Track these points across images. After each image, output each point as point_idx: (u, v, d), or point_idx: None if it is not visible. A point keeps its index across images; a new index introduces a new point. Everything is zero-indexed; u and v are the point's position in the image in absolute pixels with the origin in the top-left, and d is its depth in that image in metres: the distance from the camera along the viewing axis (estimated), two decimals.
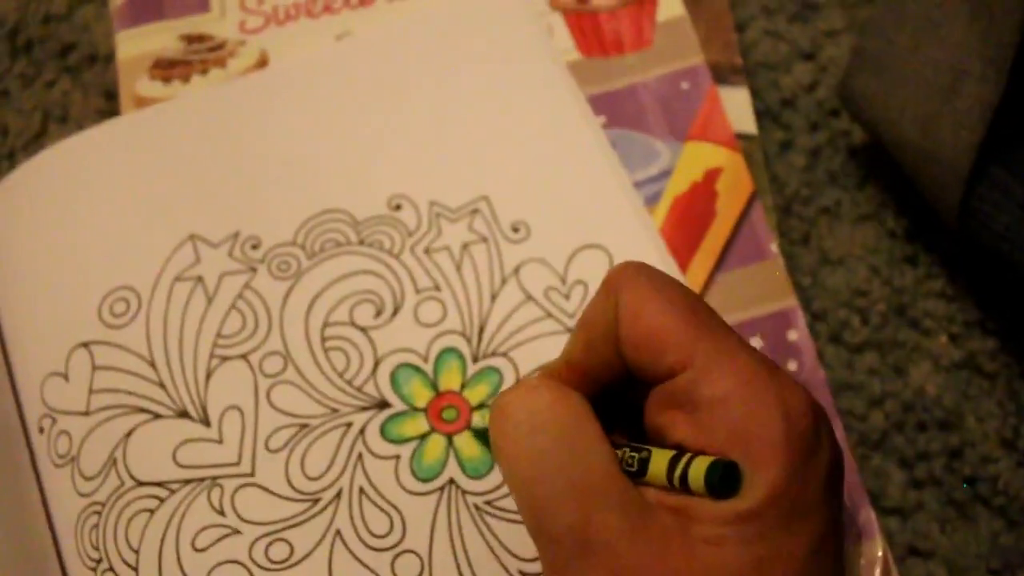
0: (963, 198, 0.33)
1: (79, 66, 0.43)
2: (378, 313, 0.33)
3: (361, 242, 0.34)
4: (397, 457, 0.31)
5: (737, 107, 0.38)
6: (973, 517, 0.34)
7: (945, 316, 0.36)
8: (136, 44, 0.40)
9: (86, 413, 0.33)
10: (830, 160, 0.39)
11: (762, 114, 0.39)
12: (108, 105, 0.42)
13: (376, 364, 0.33)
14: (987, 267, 0.36)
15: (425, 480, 0.31)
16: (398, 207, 0.35)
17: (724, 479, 0.22)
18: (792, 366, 0.33)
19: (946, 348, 0.36)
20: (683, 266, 0.34)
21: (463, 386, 0.32)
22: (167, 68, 0.39)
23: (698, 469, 0.22)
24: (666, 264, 0.34)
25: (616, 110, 0.37)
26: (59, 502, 0.33)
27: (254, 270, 0.34)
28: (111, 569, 0.31)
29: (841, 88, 0.37)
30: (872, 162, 0.38)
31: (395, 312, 0.33)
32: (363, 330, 0.33)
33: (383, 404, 0.32)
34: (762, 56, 0.41)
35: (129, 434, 0.33)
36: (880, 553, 0.31)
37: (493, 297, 0.33)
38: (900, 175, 0.37)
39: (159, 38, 0.40)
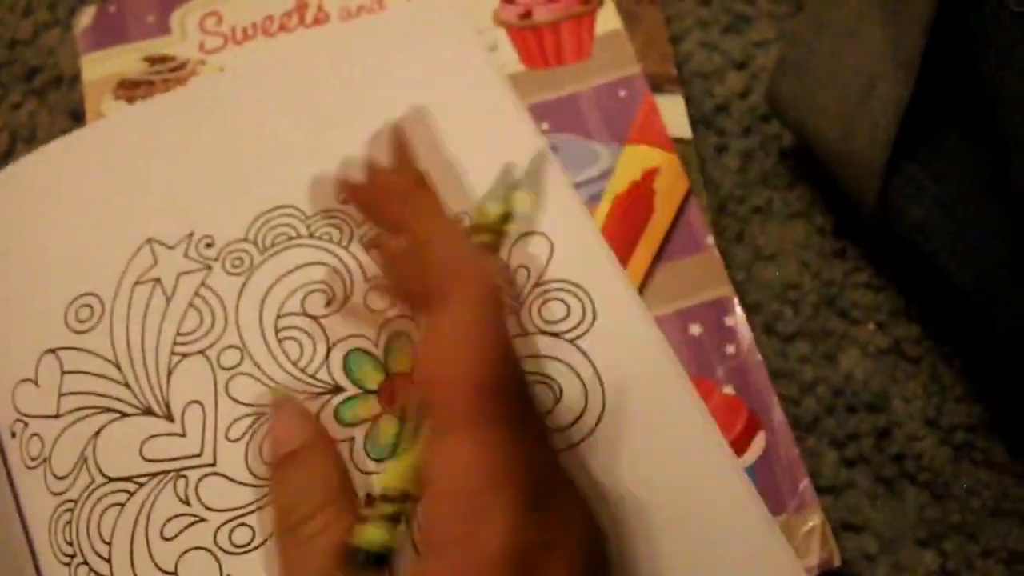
0: (880, 193, 0.36)
1: (44, 88, 0.44)
2: (329, 302, 0.35)
3: (311, 235, 0.36)
4: (352, 439, 0.33)
5: (673, 114, 0.40)
6: (900, 493, 0.36)
7: (871, 306, 0.38)
8: (101, 66, 0.42)
9: (56, 416, 0.34)
10: (762, 162, 0.41)
11: (698, 120, 0.42)
12: (74, 125, 0.43)
13: (328, 351, 0.34)
14: (909, 259, 0.38)
15: (379, 460, 0.33)
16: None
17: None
18: (730, 349, 0.35)
19: (873, 336, 0.38)
20: (625, 258, 0.36)
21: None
22: (131, 88, 0.41)
23: None
24: (603, 252, 0.35)
25: (558, 116, 0.39)
26: (32, 502, 0.34)
27: (209, 268, 0.36)
28: (85, 562, 0.32)
29: (768, 93, 0.39)
30: (800, 164, 0.41)
31: (345, 300, 0.35)
32: (315, 319, 0.35)
33: (337, 389, 0.34)
34: (697, 66, 0.43)
35: (98, 433, 0.34)
36: (819, 521, 0.33)
37: None
38: (826, 175, 0.39)
39: (122, 60, 0.42)
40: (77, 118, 0.43)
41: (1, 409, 0.36)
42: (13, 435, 0.35)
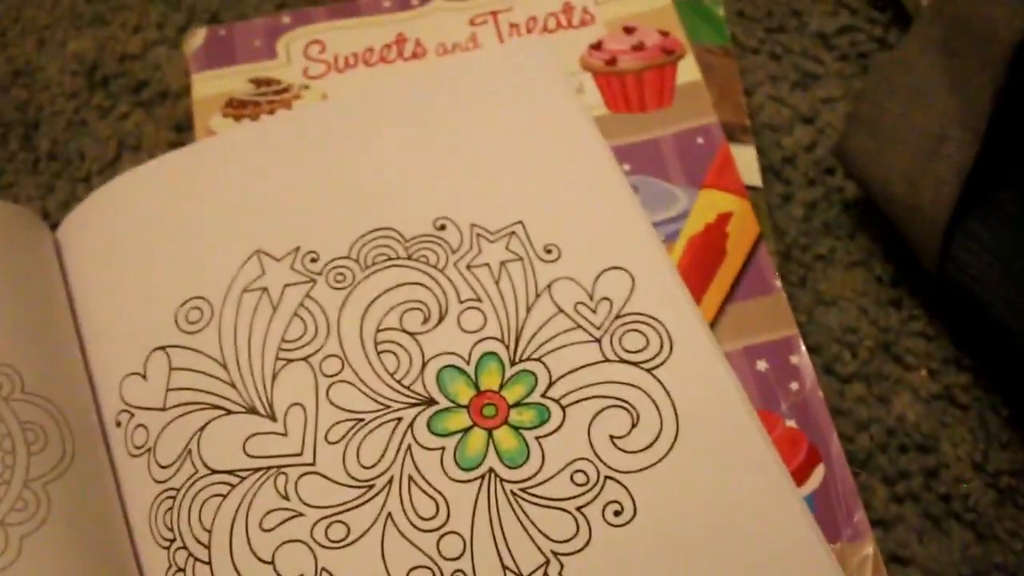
0: (942, 246, 0.38)
1: (151, 101, 0.47)
2: (425, 320, 0.37)
3: (409, 257, 0.39)
4: (443, 448, 0.35)
5: (745, 162, 0.43)
6: (947, 530, 0.38)
7: (925, 353, 0.41)
8: (210, 85, 0.45)
9: (163, 409, 0.37)
10: (825, 212, 0.43)
11: (766, 170, 0.44)
12: (177, 137, 0.46)
13: (423, 365, 0.37)
14: (962, 311, 0.40)
15: (467, 469, 0.35)
16: (442, 227, 0.39)
17: None
18: (794, 386, 0.37)
19: (925, 382, 0.40)
20: (698, 296, 0.39)
21: (501, 386, 0.36)
22: (238, 107, 0.44)
23: None
24: (680, 288, 0.38)
25: (639, 159, 0.42)
26: (134, 488, 0.36)
27: (313, 281, 0.38)
28: (184, 547, 0.35)
29: (837, 147, 0.42)
30: (862, 215, 0.43)
31: (440, 319, 0.37)
32: (412, 335, 0.37)
33: (430, 401, 0.36)
34: (767, 118, 0.46)
35: (203, 428, 0.36)
36: (871, 551, 0.35)
37: (528, 309, 0.38)
38: (887, 227, 0.41)
39: (231, 80, 0.45)
40: (180, 130, 0.46)
41: (107, 400, 0.38)
42: (118, 424, 0.38)
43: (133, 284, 0.39)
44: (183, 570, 0.35)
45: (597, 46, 0.45)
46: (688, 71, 0.44)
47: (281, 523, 0.35)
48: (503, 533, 0.34)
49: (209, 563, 0.35)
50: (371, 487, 0.35)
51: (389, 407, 0.36)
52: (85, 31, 0.50)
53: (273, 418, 0.36)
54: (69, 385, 0.38)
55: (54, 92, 0.48)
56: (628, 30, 0.45)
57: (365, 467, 0.35)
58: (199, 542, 0.35)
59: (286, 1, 0.50)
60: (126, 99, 0.47)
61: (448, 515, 0.34)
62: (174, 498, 0.36)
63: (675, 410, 0.36)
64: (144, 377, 0.38)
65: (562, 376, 0.37)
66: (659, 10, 0.46)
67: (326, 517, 0.35)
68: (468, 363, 0.37)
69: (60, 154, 0.46)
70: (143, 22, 0.49)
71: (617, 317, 0.38)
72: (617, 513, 0.35)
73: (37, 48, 0.49)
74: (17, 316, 0.38)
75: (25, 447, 0.35)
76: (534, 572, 0.34)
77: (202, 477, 0.36)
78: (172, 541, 0.35)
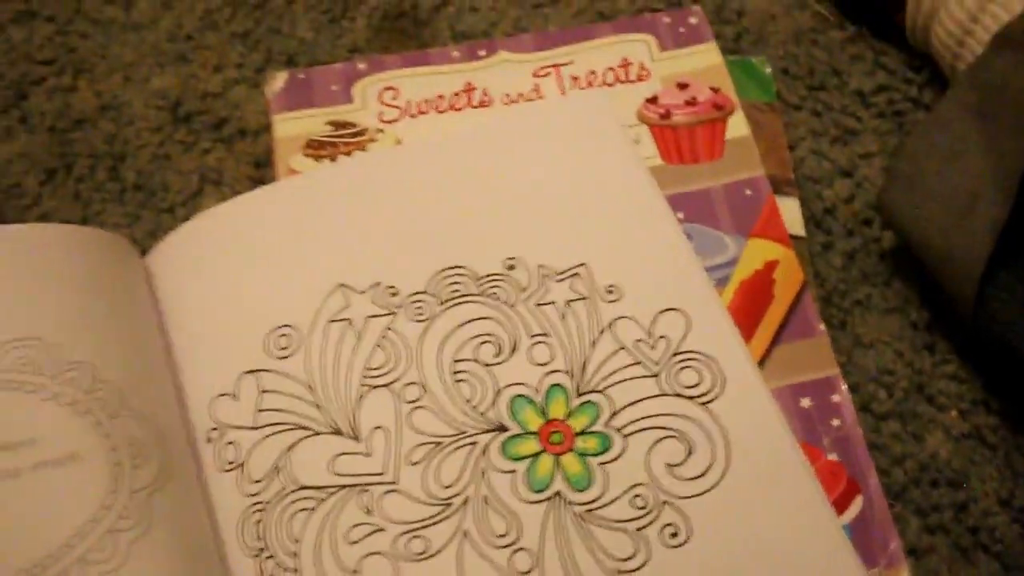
0: (976, 296, 0.41)
1: (231, 137, 0.50)
2: (498, 352, 0.41)
3: (482, 294, 0.42)
4: (514, 472, 0.38)
5: (789, 213, 0.46)
6: (975, 561, 0.41)
7: (956, 395, 0.44)
8: (290, 125, 0.48)
9: (254, 428, 0.40)
10: (863, 261, 0.47)
11: (808, 220, 0.47)
12: (256, 172, 0.49)
13: (497, 394, 0.40)
14: (993, 357, 0.43)
15: (537, 491, 0.38)
16: (512, 267, 0.43)
17: None
18: (836, 422, 0.40)
19: (956, 421, 0.43)
20: (746, 338, 0.42)
21: (567, 415, 0.40)
22: (317, 148, 0.47)
23: None
24: (731, 329, 0.41)
25: (692, 208, 0.45)
26: (224, 501, 0.39)
27: (394, 314, 0.42)
28: (272, 556, 0.38)
29: (877, 201, 0.45)
30: (898, 264, 0.46)
31: (512, 352, 0.41)
32: (486, 366, 0.40)
33: (502, 428, 0.39)
34: (809, 171, 0.49)
35: (291, 447, 0.39)
36: None
37: (592, 344, 0.41)
38: (922, 276, 0.44)
39: (310, 122, 0.48)
40: (260, 166, 0.49)
41: (198, 417, 0.41)
42: (208, 440, 0.41)
43: (224, 311, 0.42)
44: None
45: (653, 100, 0.48)
46: (737, 126, 0.48)
47: (365, 536, 0.38)
48: (570, 550, 0.37)
49: (297, 571, 0.37)
50: (449, 505, 0.38)
51: (465, 432, 0.39)
52: (168, 68, 0.53)
53: (357, 439, 0.39)
54: (164, 404, 0.41)
55: (139, 126, 0.51)
56: (682, 86, 0.49)
57: (444, 487, 0.38)
58: (287, 552, 0.38)
59: (358, 46, 0.53)
60: (207, 135, 0.51)
61: (520, 533, 0.37)
62: (263, 511, 0.39)
63: (727, 441, 0.39)
64: (235, 398, 0.41)
65: (623, 407, 0.40)
66: (711, 68, 0.49)
67: (407, 532, 0.38)
68: (537, 393, 0.40)
69: (145, 186, 0.49)
70: (223, 62, 0.53)
71: (674, 354, 0.41)
72: (674, 535, 0.38)
73: (123, 84, 0.53)
74: (118, 337, 0.41)
75: (130, 460, 0.38)
76: None
77: (291, 492, 0.39)
78: (261, 550, 0.38)
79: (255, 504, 0.39)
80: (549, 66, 0.49)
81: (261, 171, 0.49)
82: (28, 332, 0.39)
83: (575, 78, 0.49)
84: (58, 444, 0.38)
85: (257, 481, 0.39)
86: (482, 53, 0.50)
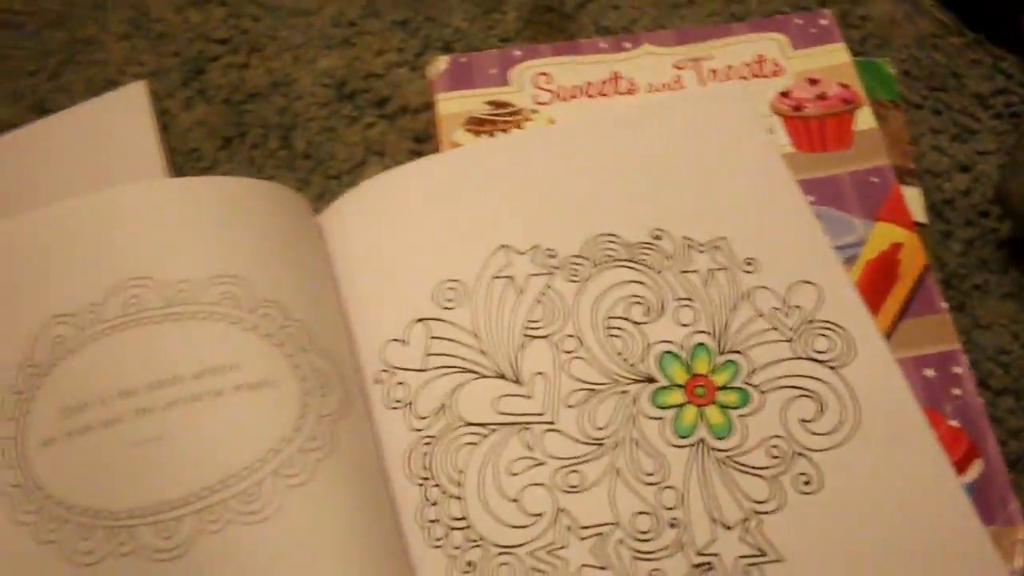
0: None
1: (393, 114, 0.55)
2: (647, 312, 0.45)
3: (632, 260, 0.46)
4: (662, 419, 0.42)
5: (911, 201, 0.49)
6: None
7: None
8: (453, 104, 0.52)
9: (422, 370, 0.44)
10: (981, 249, 0.50)
11: (928, 210, 0.51)
12: (416, 146, 0.54)
13: (646, 349, 0.44)
14: None
15: (682, 437, 0.42)
16: (658, 237, 0.46)
17: None
18: (957, 391, 0.44)
19: None
20: (873, 312, 0.45)
21: (711, 371, 0.43)
22: (477, 124, 0.51)
23: None
24: (858, 302, 0.45)
25: (822, 193, 0.49)
26: (391, 436, 0.44)
27: (552, 274, 0.46)
28: (438, 485, 0.42)
29: (996, 191, 0.48)
30: (1016, 253, 0.50)
31: (660, 313, 0.45)
32: (636, 324, 0.44)
33: (651, 379, 0.43)
34: (929, 165, 0.52)
35: (457, 387, 0.44)
36: (1022, 536, 0.41)
37: (732, 309, 0.45)
38: None
39: (471, 101, 0.52)
40: (419, 140, 0.54)
41: (368, 360, 0.45)
42: (376, 381, 0.45)
43: (394, 266, 0.47)
44: (436, 504, 0.42)
45: (786, 94, 0.52)
46: (864, 119, 0.51)
47: (526, 469, 0.42)
48: (712, 491, 0.41)
49: (461, 498, 0.42)
50: (602, 445, 0.42)
51: (617, 382, 0.43)
52: (334, 51, 0.58)
53: (519, 383, 0.43)
54: (342, 343, 0.45)
55: (308, 101, 0.56)
56: (812, 81, 0.52)
57: (597, 428, 0.42)
58: (452, 481, 0.42)
59: (508, 36, 0.57)
60: (371, 111, 0.55)
61: (666, 472, 0.41)
62: (430, 444, 0.43)
63: (856, 402, 0.43)
64: (405, 343, 0.45)
65: (761, 367, 0.44)
66: (840, 66, 0.53)
67: (564, 467, 0.42)
68: (683, 350, 0.44)
69: (313, 155, 0.54)
70: (385, 46, 0.57)
71: (808, 322, 0.44)
72: (807, 483, 0.41)
73: (292, 63, 0.58)
74: (304, 282, 0.46)
75: (318, 389, 0.43)
76: (736, 524, 0.40)
77: (457, 427, 0.43)
78: (426, 479, 0.42)
79: (423, 438, 0.43)
80: (689, 60, 0.53)
81: (421, 145, 0.54)
82: (228, 270, 0.44)
83: (713, 71, 0.53)
84: (256, 370, 0.42)
85: (423, 418, 0.43)
86: (627, 46, 0.54)
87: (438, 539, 0.41)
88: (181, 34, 0.59)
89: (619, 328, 0.44)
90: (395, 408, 0.44)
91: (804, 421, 0.42)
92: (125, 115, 0.56)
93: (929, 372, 0.44)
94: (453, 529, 0.41)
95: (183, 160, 0.54)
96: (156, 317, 0.43)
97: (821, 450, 0.42)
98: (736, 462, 0.42)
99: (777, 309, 0.45)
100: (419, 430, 0.43)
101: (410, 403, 0.44)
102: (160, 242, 0.44)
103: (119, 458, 0.41)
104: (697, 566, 0.40)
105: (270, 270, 0.45)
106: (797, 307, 0.45)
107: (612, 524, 0.41)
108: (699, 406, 0.43)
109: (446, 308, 0.45)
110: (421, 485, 0.42)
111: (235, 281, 0.44)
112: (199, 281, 0.43)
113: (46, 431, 0.42)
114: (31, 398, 0.43)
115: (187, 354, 0.42)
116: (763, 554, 0.40)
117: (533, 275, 0.46)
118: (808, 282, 0.45)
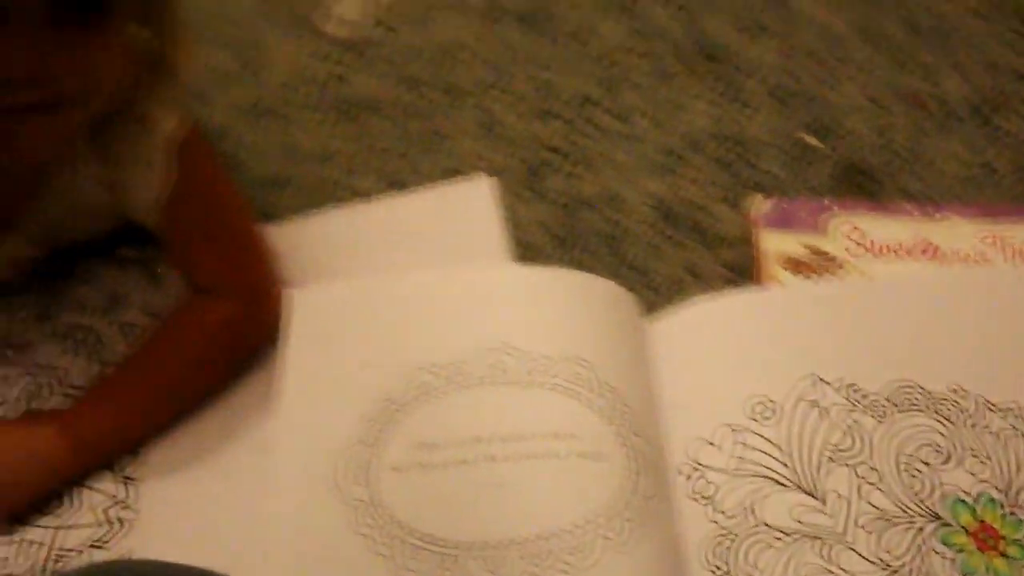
0: None
1: (711, 242, 0.62)
2: (942, 458, 0.49)
3: (932, 409, 0.51)
4: (950, 559, 0.47)
5: None
6: None
7: None
8: (773, 241, 0.59)
9: (728, 471, 0.50)
10: None
11: None
12: (730, 274, 0.60)
13: (935, 490, 0.48)
14: None
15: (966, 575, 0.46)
16: (955, 391, 0.51)
17: None
18: None
19: None
20: None
21: (998, 523, 0.48)
22: (795, 265, 0.58)
23: None
24: None
25: None
26: (691, 525, 0.49)
27: (855, 407, 0.51)
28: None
29: None
30: None
31: (953, 461, 0.49)
32: (929, 466, 0.49)
33: (938, 517, 0.48)
34: None
35: (761, 492, 0.49)
36: None
37: (1018, 471, 0.49)
38: None
39: (789, 242, 0.59)
40: (732, 269, 0.60)
41: (672, 453, 0.51)
42: (679, 473, 0.51)
43: (713, 377, 0.53)
44: None
45: None
46: None
47: None
48: None
49: None
50: (894, 571, 0.47)
51: (910, 515, 0.48)
52: (659, 176, 0.65)
53: (819, 499, 0.49)
54: (657, 434, 0.51)
55: (635, 219, 0.63)
56: None
57: (889, 553, 0.47)
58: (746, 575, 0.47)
59: (817, 187, 0.64)
60: (691, 236, 0.62)
61: None
62: (729, 538, 0.48)
63: None
64: (714, 445, 0.51)
65: None
66: None
67: None
68: (971, 498, 0.48)
69: (638, 266, 0.61)
70: (702, 178, 0.65)
71: None
72: None
73: (620, 180, 0.65)
74: (636, 374, 0.52)
75: (642, 469, 0.49)
76: None
77: (756, 527, 0.48)
78: (720, 569, 0.48)
79: (723, 533, 0.48)
80: (994, 235, 0.59)
81: (734, 273, 0.60)
82: (581, 353, 0.51)
83: (1018, 251, 0.58)
84: (593, 441, 0.49)
85: (724, 513, 0.49)
86: (935, 214, 0.60)
87: None
88: (525, 141, 0.68)
89: (915, 468, 0.49)
90: (696, 500, 0.50)
91: None
92: (474, 202, 0.64)
93: None
94: None
95: (521, 250, 0.62)
96: (518, 381, 0.50)
97: None
98: None
99: None
100: (716, 522, 0.49)
101: (711, 498, 0.49)
102: (525, 319, 0.52)
103: (462, 495, 0.48)
104: None
105: (611, 358, 0.51)
106: None
107: None
108: (984, 551, 0.47)
109: (756, 420, 0.51)
110: (713, 573, 0.48)
111: (585, 364, 0.51)
112: (556, 358, 0.51)
113: (398, 459, 0.49)
114: (385, 429, 0.51)
115: (538, 417, 0.49)
116: None
117: (837, 405, 0.51)
118: None
